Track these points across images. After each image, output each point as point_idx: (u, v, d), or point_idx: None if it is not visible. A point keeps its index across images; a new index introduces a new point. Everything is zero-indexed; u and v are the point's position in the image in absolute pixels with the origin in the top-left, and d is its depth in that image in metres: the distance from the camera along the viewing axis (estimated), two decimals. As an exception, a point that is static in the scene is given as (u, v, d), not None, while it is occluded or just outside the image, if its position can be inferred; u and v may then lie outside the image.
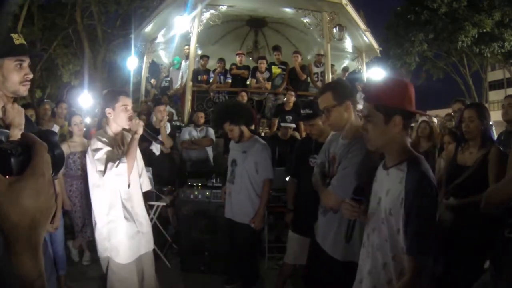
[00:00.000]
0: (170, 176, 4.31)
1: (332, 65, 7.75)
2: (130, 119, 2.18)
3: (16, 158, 0.47)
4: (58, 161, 0.54)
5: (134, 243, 2.23)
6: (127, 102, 2.19)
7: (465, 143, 2.54)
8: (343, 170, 1.87)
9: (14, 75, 1.42)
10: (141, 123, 2.20)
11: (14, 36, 1.41)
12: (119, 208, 2.18)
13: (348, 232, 1.59)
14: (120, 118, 2.18)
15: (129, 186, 2.18)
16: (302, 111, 2.54)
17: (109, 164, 2.06)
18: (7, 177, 0.46)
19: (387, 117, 1.34)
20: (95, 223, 2.28)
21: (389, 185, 1.36)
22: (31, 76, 1.49)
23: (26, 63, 1.46)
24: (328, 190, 1.93)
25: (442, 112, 8.64)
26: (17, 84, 1.44)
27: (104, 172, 2.07)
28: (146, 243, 2.34)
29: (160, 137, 3.97)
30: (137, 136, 2.16)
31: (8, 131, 0.51)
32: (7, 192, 0.45)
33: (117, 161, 2.07)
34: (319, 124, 2.46)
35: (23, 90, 1.47)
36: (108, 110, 2.18)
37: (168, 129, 4.37)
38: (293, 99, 5.57)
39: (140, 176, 2.41)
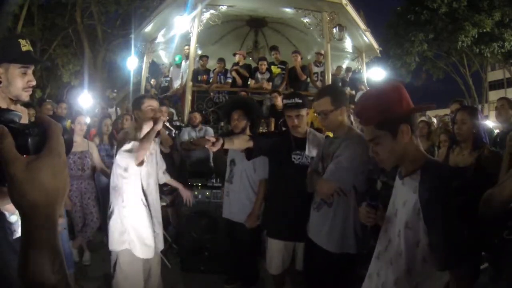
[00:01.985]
0: (170, 176, 4.32)
1: (339, 66, 7.77)
2: (153, 113, 2.34)
3: (33, 138, 0.49)
4: (66, 145, 0.56)
5: (153, 242, 2.32)
6: (152, 103, 2.36)
7: (456, 145, 2.56)
8: (336, 158, 1.97)
9: (18, 81, 1.46)
10: (163, 118, 2.36)
11: (22, 42, 1.45)
12: (144, 204, 2.28)
13: (371, 240, 1.59)
14: (147, 118, 2.34)
15: (142, 164, 2.25)
16: (289, 101, 2.43)
17: (124, 145, 2.20)
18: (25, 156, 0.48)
19: (393, 130, 1.25)
20: (111, 215, 2.32)
21: (405, 196, 1.29)
22: (34, 83, 1.52)
23: (30, 70, 1.50)
24: (322, 179, 2.00)
25: (442, 112, 8.63)
26: (20, 90, 1.48)
27: (116, 152, 2.22)
28: (159, 244, 2.43)
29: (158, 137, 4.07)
30: (157, 128, 2.27)
31: (20, 113, 0.51)
32: (26, 171, 0.46)
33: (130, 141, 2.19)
34: (305, 115, 2.46)
35: (25, 96, 1.52)
36: (136, 113, 2.37)
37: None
38: (280, 99, 5.48)
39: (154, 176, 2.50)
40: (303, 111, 2.42)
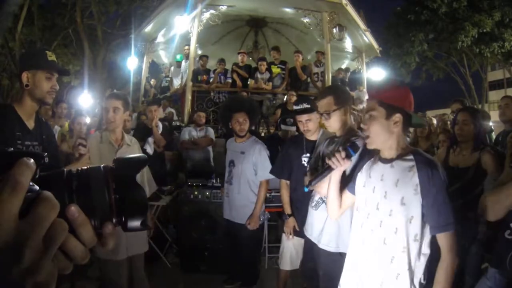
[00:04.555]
0: (162, 175, 4.34)
1: (340, 69, 7.78)
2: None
3: None
4: (140, 204, 0.40)
5: (121, 243, 2.21)
6: (106, 103, 2.27)
7: (457, 145, 2.55)
8: None
9: (44, 85, 1.70)
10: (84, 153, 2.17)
11: (48, 53, 1.72)
12: None
13: (317, 178, 1.57)
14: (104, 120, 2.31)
15: None
16: (298, 107, 2.48)
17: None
18: None
19: (389, 113, 1.42)
20: None
21: (397, 176, 1.40)
22: (57, 88, 1.76)
23: (54, 77, 1.75)
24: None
25: (442, 112, 8.63)
26: (44, 92, 1.71)
27: None
28: (137, 246, 2.32)
29: (151, 137, 4.12)
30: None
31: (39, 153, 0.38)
32: None
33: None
34: (315, 118, 2.46)
35: (49, 98, 1.75)
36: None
37: (160, 129, 4.42)
38: (294, 98, 5.53)
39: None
40: (313, 115, 2.44)
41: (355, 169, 1.63)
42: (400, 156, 1.43)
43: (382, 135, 1.43)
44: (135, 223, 0.39)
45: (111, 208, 0.38)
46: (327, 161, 1.56)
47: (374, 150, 1.52)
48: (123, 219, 0.39)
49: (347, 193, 1.65)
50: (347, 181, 1.66)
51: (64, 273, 0.37)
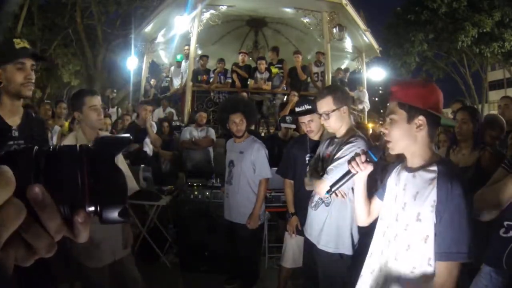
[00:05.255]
0: (159, 174, 4.37)
1: (339, 68, 7.79)
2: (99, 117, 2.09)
3: None
4: (118, 191, 0.34)
5: (106, 248, 2.12)
6: (95, 101, 2.06)
7: (457, 145, 2.56)
8: (338, 159, 1.95)
9: (16, 77, 1.53)
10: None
11: (16, 41, 1.54)
12: None
13: (337, 183, 1.44)
14: (90, 120, 2.05)
15: None
16: (299, 108, 2.49)
17: None
18: None
19: (410, 116, 1.28)
20: None
21: (417, 188, 1.27)
22: (33, 77, 1.57)
23: (28, 65, 1.55)
24: (321, 179, 1.99)
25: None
26: (18, 85, 1.54)
27: None
28: (123, 248, 2.24)
29: (147, 137, 4.11)
30: None
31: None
32: None
33: None
34: (317, 119, 2.45)
35: (26, 91, 1.57)
36: (76, 114, 2.07)
37: (154, 129, 4.42)
38: (296, 99, 5.53)
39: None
40: (314, 116, 2.43)
41: (386, 174, 1.50)
42: (424, 166, 1.29)
43: (404, 141, 1.30)
44: (113, 214, 0.33)
45: (83, 193, 0.33)
46: (347, 165, 1.44)
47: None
48: (98, 207, 0.33)
49: (376, 199, 1.52)
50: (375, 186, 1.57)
51: (23, 266, 0.32)
